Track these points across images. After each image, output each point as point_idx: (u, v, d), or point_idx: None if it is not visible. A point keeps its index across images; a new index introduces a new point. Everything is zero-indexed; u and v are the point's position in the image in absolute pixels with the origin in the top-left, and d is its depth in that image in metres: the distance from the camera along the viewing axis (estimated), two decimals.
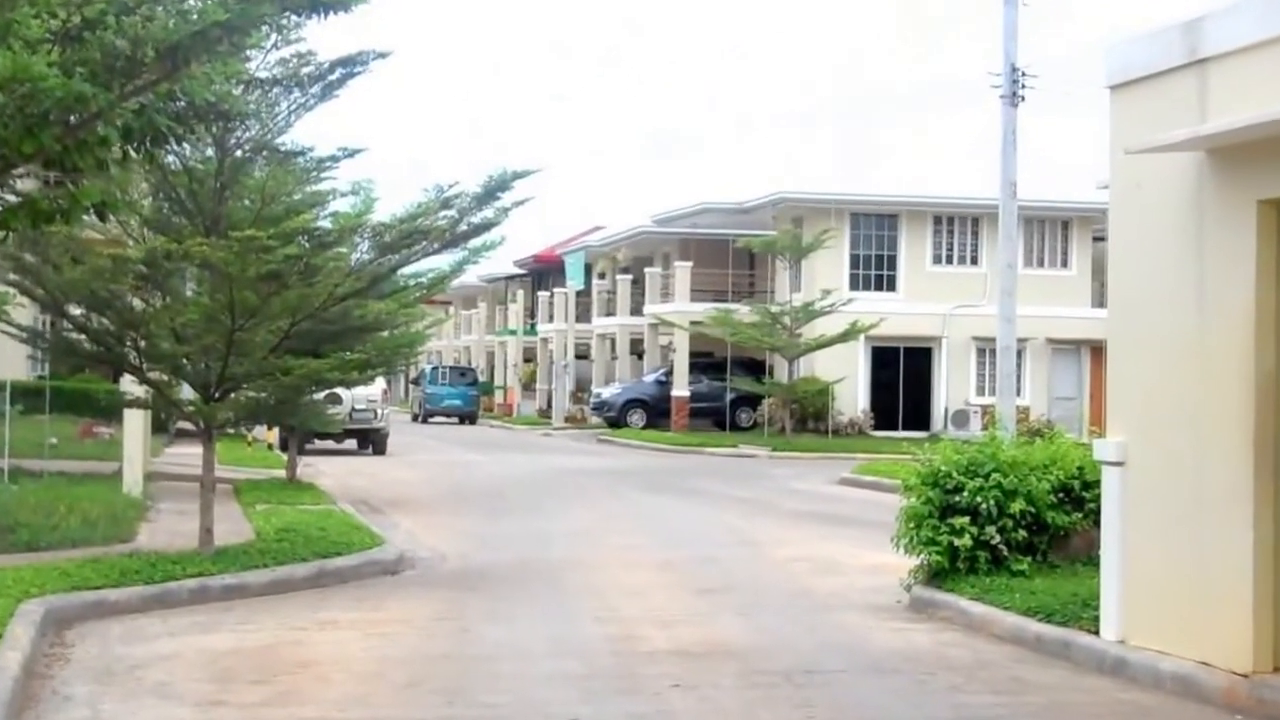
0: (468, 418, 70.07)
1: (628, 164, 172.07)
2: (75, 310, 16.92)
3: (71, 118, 3.87)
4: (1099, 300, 49.12)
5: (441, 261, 21.53)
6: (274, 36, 14.50)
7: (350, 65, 16.92)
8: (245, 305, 16.41)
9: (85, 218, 7.00)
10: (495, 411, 76.46)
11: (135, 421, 23.24)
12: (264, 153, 17.82)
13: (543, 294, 75.54)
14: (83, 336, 17.21)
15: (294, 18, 4.44)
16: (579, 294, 68.54)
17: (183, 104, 4.52)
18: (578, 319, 68.51)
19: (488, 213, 18.62)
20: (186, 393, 20.32)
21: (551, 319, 71.90)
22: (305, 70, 16.66)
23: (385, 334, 25.64)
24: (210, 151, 17.01)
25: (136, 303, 17.31)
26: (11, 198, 4.02)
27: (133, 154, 4.79)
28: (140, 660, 12.01)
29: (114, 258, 16.01)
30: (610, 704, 10.74)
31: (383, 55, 17.00)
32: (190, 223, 17.06)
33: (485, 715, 10.39)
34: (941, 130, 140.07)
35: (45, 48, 4.05)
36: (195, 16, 4.34)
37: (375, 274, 18.71)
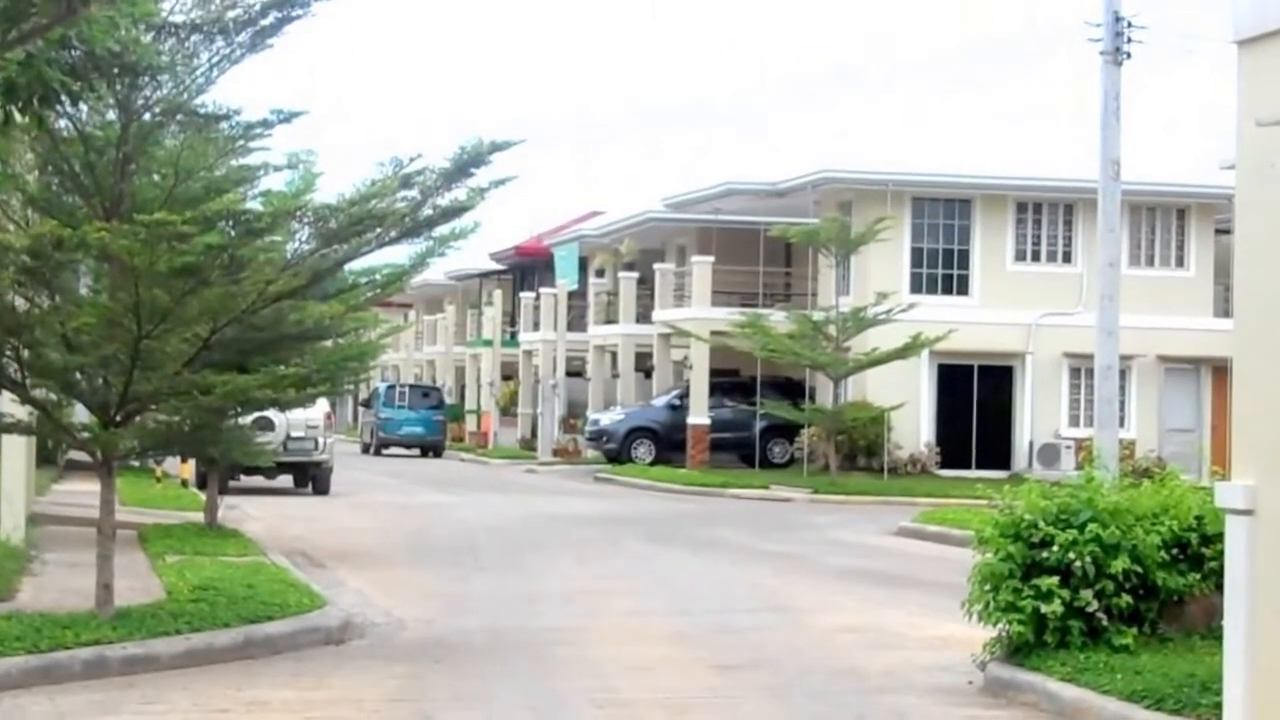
0: (431, 449, 70.23)
1: (633, 137, 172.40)
2: None
3: None
4: (1223, 308, 49.21)
5: (400, 254, 21.61)
6: None
7: (287, 7, 16.95)
8: (155, 306, 16.41)
9: None
10: (466, 441, 76.61)
11: (15, 451, 23.25)
12: (179, 116, 17.82)
13: (526, 295, 75.81)
14: None
15: None
16: (572, 296, 68.71)
17: (79, 54, 4.50)
18: (570, 327, 68.63)
19: (459, 194, 18.67)
20: (80, 415, 20.35)
21: (537, 327, 72.12)
22: (231, 14, 16.69)
23: (329, 344, 25.70)
24: (112, 115, 17.02)
25: (19, 302, 17.31)
26: None
27: (16, 116, 4.78)
28: None
29: None
30: None
31: None
32: (87, 203, 17.08)
33: None
34: (1027, 95, 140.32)
35: None
36: None
37: (317, 269, 18.74)
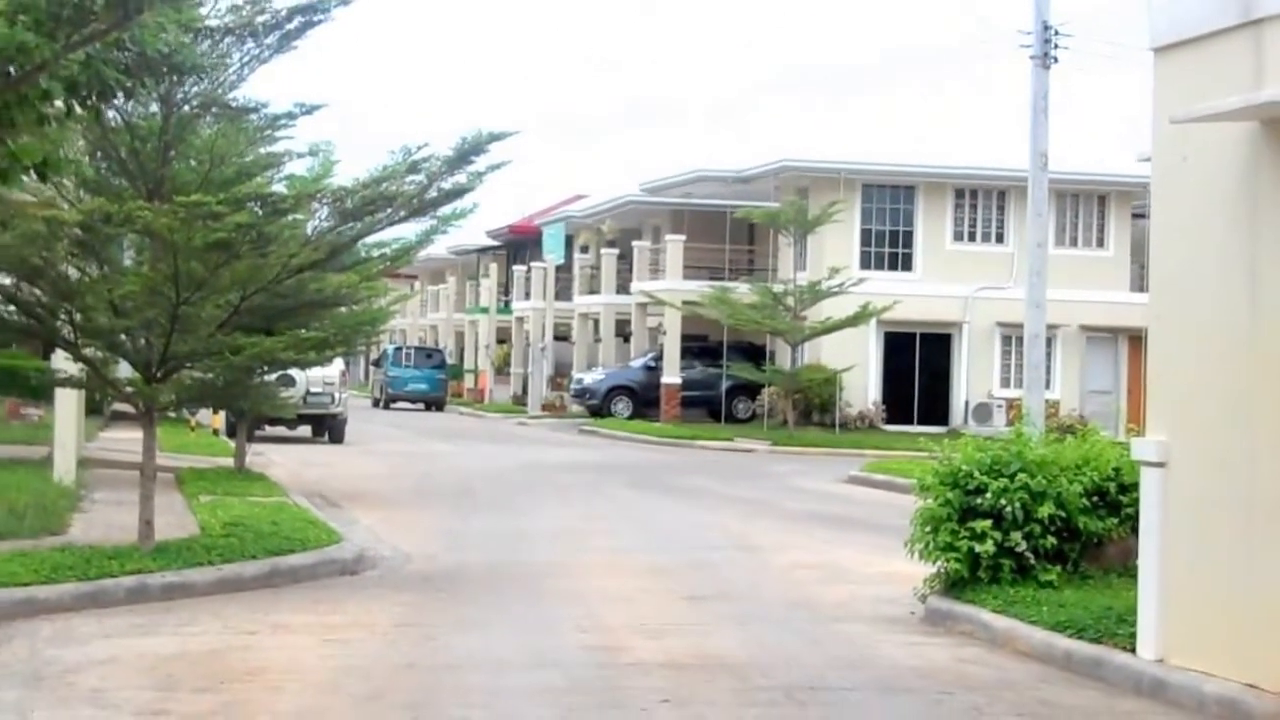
0: (434, 404, 70.06)
1: (614, 128, 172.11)
2: (4, 279, 16.92)
3: (12, 69, 3.90)
4: (1139, 284, 49.26)
5: (408, 231, 21.66)
6: None
7: (310, 13, 16.94)
8: (191, 276, 16.43)
9: (23, 178, 7.02)
10: (465, 397, 76.52)
11: (68, 402, 23.27)
12: (213, 109, 17.85)
13: (519, 268, 75.68)
14: (11, 308, 17.22)
15: None
16: (559, 269, 68.71)
17: (132, 55, 4.53)
18: (557, 297, 68.65)
19: (460, 178, 18.73)
20: (124, 371, 20.37)
21: (528, 296, 72.01)
22: (260, 19, 16.69)
23: (345, 310, 25.67)
24: (154, 107, 17.02)
25: (72, 272, 17.33)
26: None
27: (77, 109, 4.83)
28: (73, 664, 12.08)
29: (48, 221, 16.00)
30: None
31: (345, 2, 17.02)
32: (132, 185, 17.10)
33: None
34: (965, 92, 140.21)
35: None
36: None
37: (335, 244, 18.78)
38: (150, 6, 4.36)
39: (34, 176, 4.72)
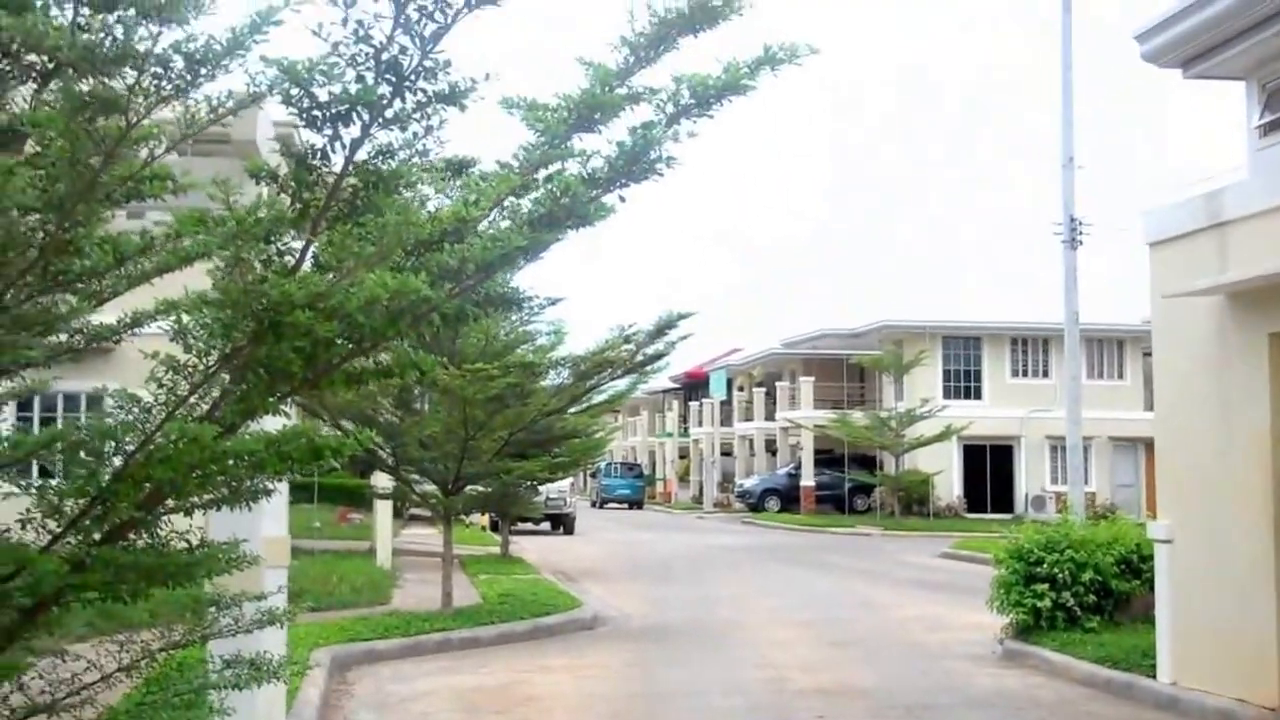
0: (635, 504, 70.22)
1: (760, 298, 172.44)
2: (347, 424, 17.73)
3: (414, 320, 4.52)
4: (1150, 405, 48.57)
5: (619, 382, 22.21)
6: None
7: (540, 245, 17.64)
8: (475, 421, 17.10)
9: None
10: (657, 499, 76.75)
11: (384, 509, 23.97)
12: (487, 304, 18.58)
13: (693, 404, 76.10)
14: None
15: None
16: (722, 403, 69.05)
17: (481, 294, 5.18)
18: (722, 424, 68.94)
19: (659, 346, 19.26)
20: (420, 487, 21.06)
21: (701, 424, 72.38)
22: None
23: (577, 440, 26.25)
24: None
25: (392, 418, 18.09)
26: (371, 365, 4.70)
27: (444, 330, 5.47)
28: (406, 695, 12.52)
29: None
30: None
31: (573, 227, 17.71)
32: (431, 355, 17.85)
33: None
34: (1016, 261, 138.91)
35: (392, 261, 4.75)
36: (501, 242, 5.06)
37: (573, 394, 19.36)
38: (501, 270, 5.03)
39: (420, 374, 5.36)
